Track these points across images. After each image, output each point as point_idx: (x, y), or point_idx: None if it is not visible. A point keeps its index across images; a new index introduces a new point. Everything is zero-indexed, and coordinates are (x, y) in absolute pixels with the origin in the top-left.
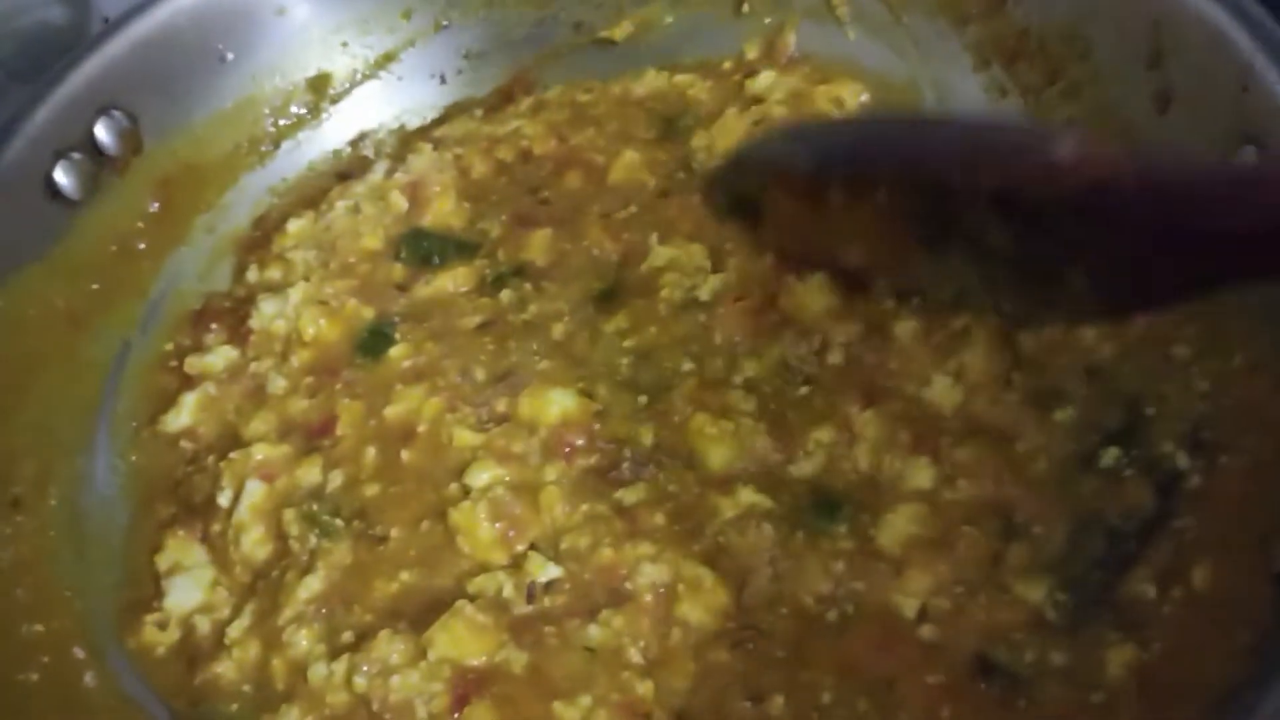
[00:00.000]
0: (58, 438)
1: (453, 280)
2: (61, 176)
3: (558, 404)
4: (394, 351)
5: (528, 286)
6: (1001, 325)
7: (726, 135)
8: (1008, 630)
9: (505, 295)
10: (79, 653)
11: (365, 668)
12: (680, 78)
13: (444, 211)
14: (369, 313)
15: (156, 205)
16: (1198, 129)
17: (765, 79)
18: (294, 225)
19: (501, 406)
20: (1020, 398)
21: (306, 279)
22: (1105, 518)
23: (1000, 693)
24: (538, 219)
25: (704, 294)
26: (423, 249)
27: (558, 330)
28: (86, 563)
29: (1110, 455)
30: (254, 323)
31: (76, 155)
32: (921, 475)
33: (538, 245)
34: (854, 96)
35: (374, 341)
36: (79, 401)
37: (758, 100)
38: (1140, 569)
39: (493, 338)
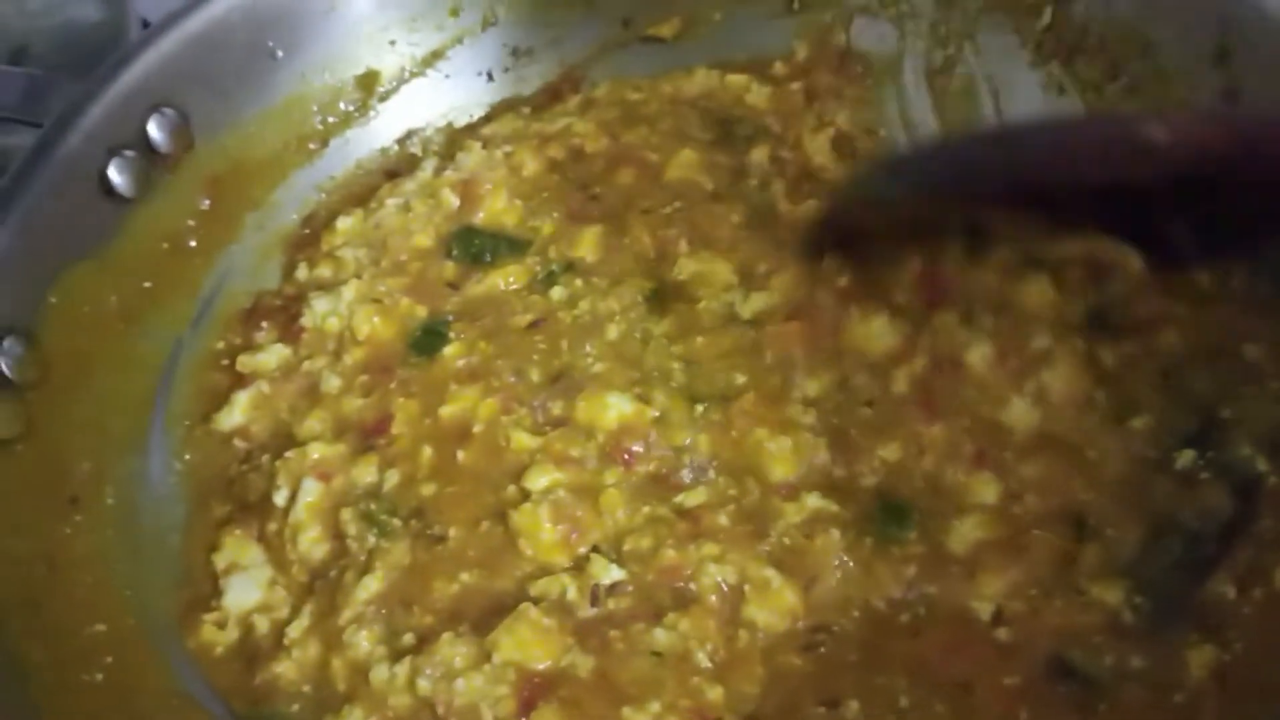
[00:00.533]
0: (113, 436)
1: (504, 279)
2: (115, 174)
3: (615, 409)
4: (448, 350)
5: (579, 283)
6: (1082, 345)
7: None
8: (1085, 633)
9: (556, 292)
10: (141, 652)
11: (429, 670)
12: (733, 78)
13: (496, 209)
14: (421, 311)
15: (207, 202)
16: None
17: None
18: (343, 223)
19: (558, 409)
20: (1100, 415)
21: (358, 277)
22: (1181, 521)
23: (1078, 695)
24: (589, 215)
25: (745, 311)
26: (474, 247)
27: (611, 331)
28: (144, 561)
29: (1186, 458)
30: (306, 320)
31: (129, 152)
32: (987, 491)
33: (588, 242)
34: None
35: (428, 340)
36: (133, 400)
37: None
38: (1220, 572)
39: (545, 336)
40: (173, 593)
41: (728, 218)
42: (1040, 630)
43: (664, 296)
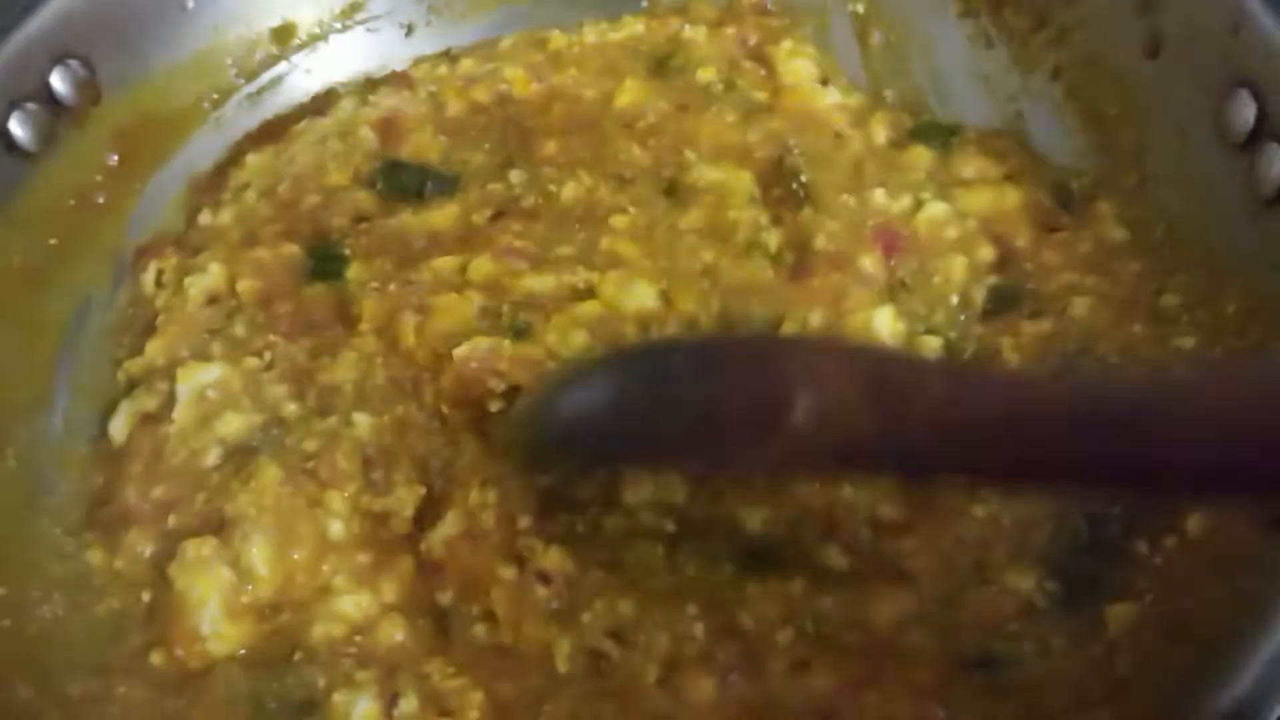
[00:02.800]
0: (15, 398)
1: (442, 218)
2: (16, 128)
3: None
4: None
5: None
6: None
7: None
8: (1001, 622)
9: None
10: (43, 613)
11: None
12: (661, 21)
13: (419, 145)
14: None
15: (115, 158)
16: (1189, 74)
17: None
18: (253, 159)
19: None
20: None
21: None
22: (1084, 505)
23: (996, 680)
24: (533, 142)
25: (771, 244)
26: (400, 180)
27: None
28: (47, 526)
29: None
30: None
31: (32, 106)
32: None
33: (546, 155)
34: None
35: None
36: (38, 361)
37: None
38: (1128, 545)
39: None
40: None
41: (723, 117)
42: (954, 627)
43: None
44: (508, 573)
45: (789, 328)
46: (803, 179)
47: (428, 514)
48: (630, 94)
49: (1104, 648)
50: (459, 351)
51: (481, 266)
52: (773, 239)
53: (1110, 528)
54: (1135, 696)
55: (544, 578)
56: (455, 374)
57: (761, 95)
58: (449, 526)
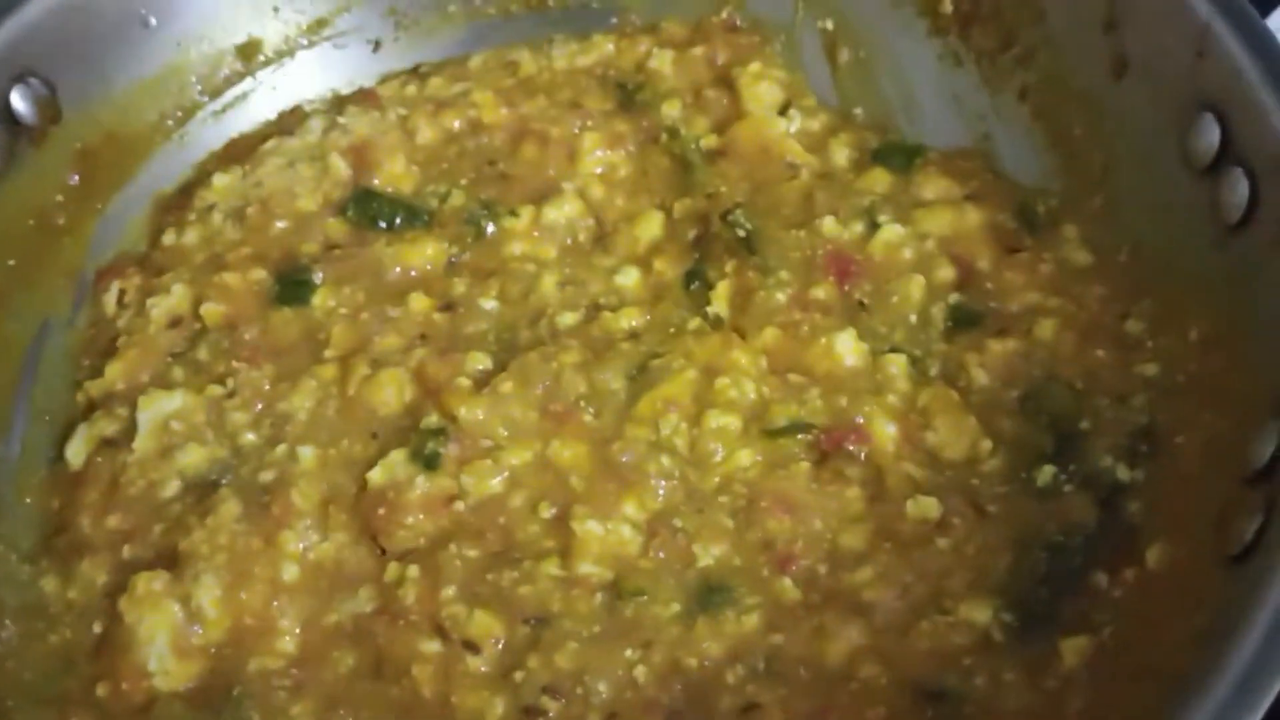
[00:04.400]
0: None
1: (419, 256)
2: None
3: None
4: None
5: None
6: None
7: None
8: (955, 655)
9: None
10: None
11: None
12: (630, 42)
13: (392, 174)
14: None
15: (76, 177)
16: (1155, 96)
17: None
18: (220, 180)
19: None
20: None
21: (217, 253)
22: (1046, 534)
23: (948, 713)
24: (508, 190)
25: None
26: (372, 210)
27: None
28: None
29: (1045, 474)
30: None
31: None
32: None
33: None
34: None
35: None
36: None
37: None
38: (1087, 580)
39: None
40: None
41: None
42: (908, 657)
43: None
44: (431, 647)
45: (722, 383)
46: (745, 229)
47: None
48: (591, 142)
49: (1058, 682)
50: (373, 478)
51: (430, 365)
52: (719, 295)
53: (1071, 558)
54: None
55: (471, 647)
56: (369, 501)
57: (711, 141)
58: (361, 603)
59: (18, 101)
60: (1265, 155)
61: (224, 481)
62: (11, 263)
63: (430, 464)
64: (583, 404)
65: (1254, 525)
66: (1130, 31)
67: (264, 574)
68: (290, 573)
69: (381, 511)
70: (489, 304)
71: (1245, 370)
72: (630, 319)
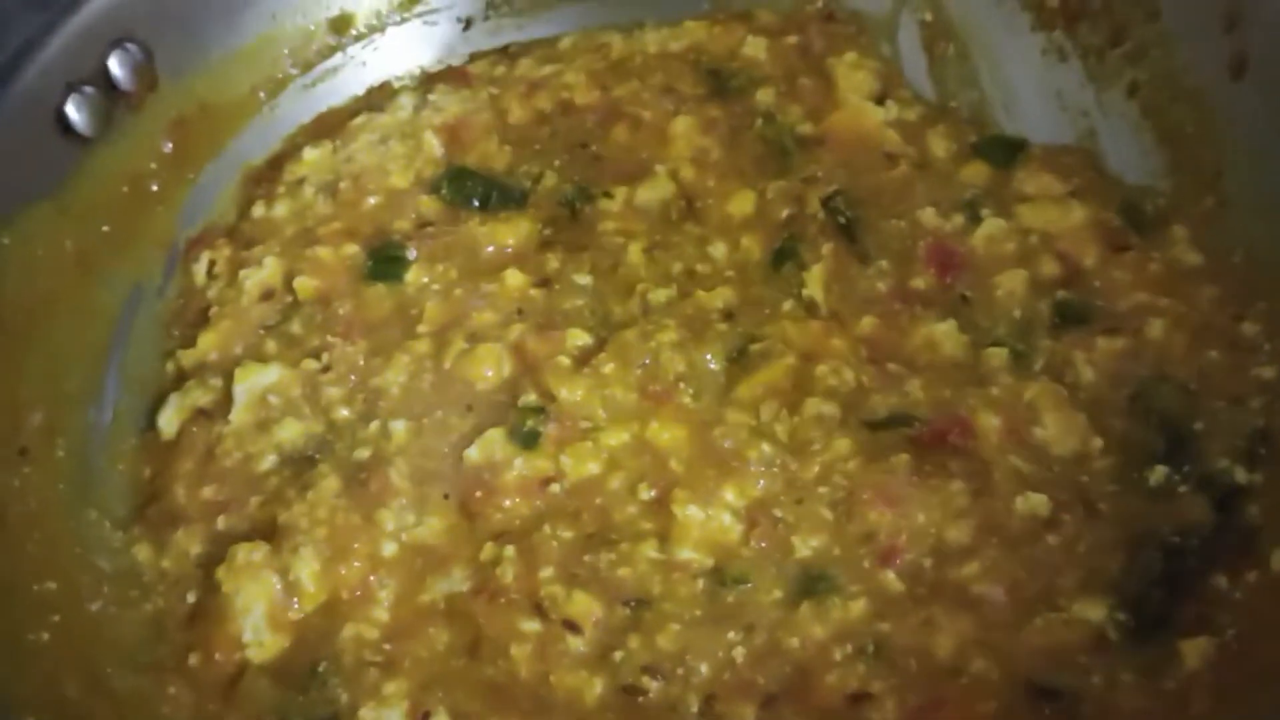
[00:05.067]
0: (66, 387)
1: (513, 234)
2: (73, 111)
3: None
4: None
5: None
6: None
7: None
8: (1069, 653)
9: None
10: (92, 609)
11: None
12: (723, 28)
13: (486, 152)
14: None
15: (170, 145)
16: (1275, 95)
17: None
18: (310, 154)
19: None
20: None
21: (307, 227)
22: (1162, 535)
23: (1063, 712)
24: (600, 172)
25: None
26: (467, 189)
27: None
28: (96, 517)
29: (1158, 475)
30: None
31: (89, 89)
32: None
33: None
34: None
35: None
36: (88, 350)
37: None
38: (1206, 578)
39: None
40: (125, 551)
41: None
42: (1020, 653)
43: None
44: (530, 627)
45: (821, 370)
46: (846, 216)
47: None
48: (684, 126)
49: (1178, 684)
50: (471, 456)
51: (529, 341)
52: (814, 279)
53: (1187, 560)
54: None
55: (572, 626)
56: (467, 482)
57: (806, 128)
58: (456, 582)
59: (116, 67)
60: None
61: (320, 457)
62: (105, 229)
63: (529, 443)
64: (682, 385)
65: None
66: (1253, 30)
67: (363, 550)
68: (389, 549)
69: (479, 495)
70: (584, 279)
71: None
72: (723, 298)
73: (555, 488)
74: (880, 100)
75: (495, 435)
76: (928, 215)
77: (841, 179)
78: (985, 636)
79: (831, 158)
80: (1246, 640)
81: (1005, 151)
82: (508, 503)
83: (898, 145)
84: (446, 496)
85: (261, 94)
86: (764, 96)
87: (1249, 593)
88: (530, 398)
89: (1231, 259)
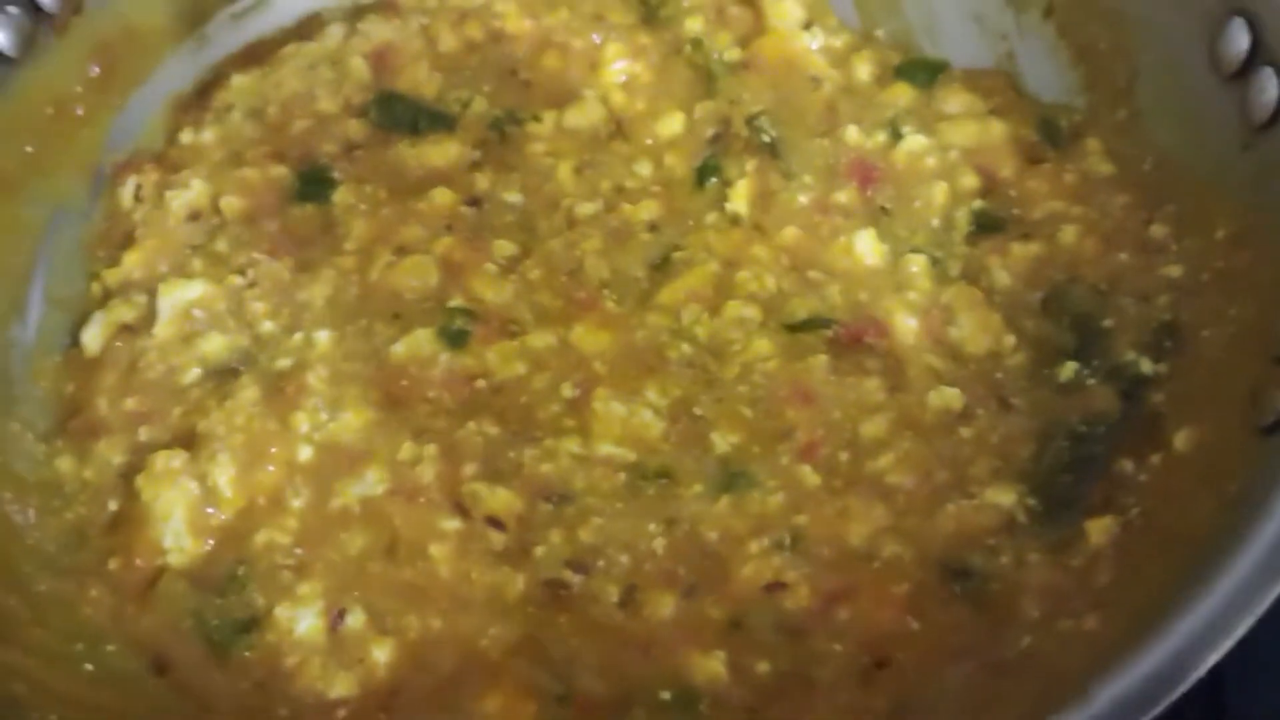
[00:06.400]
0: None
1: (442, 156)
2: None
3: None
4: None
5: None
6: None
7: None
8: (979, 536)
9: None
10: (14, 516)
11: None
12: None
13: (415, 80)
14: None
15: (96, 69)
16: (1183, 5)
17: None
18: (239, 80)
19: None
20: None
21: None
22: (1070, 425)
23: (974, 591)
24: (530, 98)
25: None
26: (395, 112)
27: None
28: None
29: (1068, 370)
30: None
31: (12, 9)
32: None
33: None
34: None
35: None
36: (10, 269)
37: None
38: (1111, 463)
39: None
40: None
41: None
42: (932, 538)
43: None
44: (451, 525)
45: (743, 275)
46: (770, 135)
47: None
48: (614, 53)
49: (1084, 560)
50: (397, 351)
51: (457, 251)
52: (738, 194)
53: (1095, 447)
54: (1120, 604)
55: (495, 523)
56: (391, 374)
57: (734, 53)
58: (370, 485)
59: None
60: None
61: (244, 368)
62: (29, 149)
63: (456, 342)
64: (606, 291)
65: None
66: None
67: (279, 455)
68: (305, 454)
69: (404, 383)
70: (513, 197)
71: (1273, 261)
72: (649, 211)
73: (481, 383)
74: (806, 27)
75: (423, 334)
76: (851, 133)
77: (768, 101)
78: (898, 523)
79: (759, 81)
80: (1148, 516)
81: (927, 73)
82: (433, 394)
83: (822, 69)
84: (363, 393)
85: (189, 21)
86: (693, 25)
87: (1152, 474)
88: (458, 301)
89: (1142, 167)
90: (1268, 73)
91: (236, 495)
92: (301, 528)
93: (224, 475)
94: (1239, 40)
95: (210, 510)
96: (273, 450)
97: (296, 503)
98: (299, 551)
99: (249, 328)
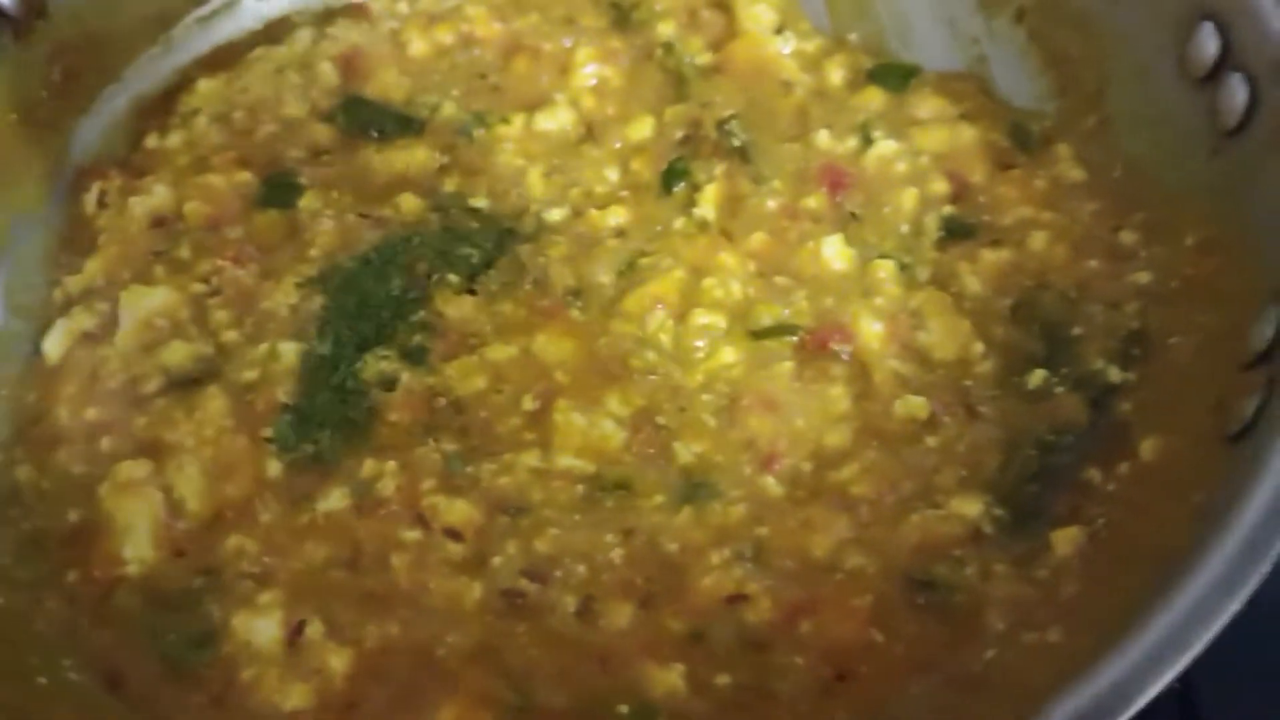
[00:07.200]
0: None
1: (410, 161)
2: None
3: None
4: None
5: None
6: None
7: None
8: (944, 546)
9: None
10: None
11: None
12: None
13: (383, 84)
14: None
15: (59, 74)
16: (1153, 11)
17: None
18: (205, 85)
19: None
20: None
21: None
22: (1038, 434)
23: (938, 603)
24: (500, 102)
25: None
26: (362, 117)
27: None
28: None
29: (1037, 378)
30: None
31: None
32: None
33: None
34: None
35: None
36: None
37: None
38: (1079, 473)
39: None
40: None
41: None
42: (896, 549)
43: None
44: (411, 536)
45: (709, 283)
46: (740, 139)
47: None
48: (585, 57)
49: (1050, 572)
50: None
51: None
52: (707, 198)
53: (1061, 456)
54: (1084, 616)
55: (453, 534)
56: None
57: (706, 57)
58: (334, 501)
59: None
60: (1266, 58)
61: (207, 379)
62: None
63: (416, 359)
64: (570, 299)
65: (1253, 404)
66: None
67: (249, 470)
68: (274, 469)
69: (366, 405)
70: (480, 202)
71: (1241, 269)
72: (617, 216)
73: (440, 401)
74: (779, 31)
75: (383, 352)
76: (821, 138)
77: (739, 106)
78: (862, 535)
79: (730, 85)
80: (1115, 527)
81: (898, 78)
82: (394, 417)
83: (794, 74)
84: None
85: (155, 25)
86: (665, 29)
87: (1120, 483)
88: (419, 314)
89: (1112, 174)
90: (1237, 78)
91: (203, 507)
92: (267, 540)
93: (190, 487)
94: (1208, 45)
95: (174, 522)
96: (242, 465)
97: (265, 516)
98: (266, 560)
99: (212, 336)
